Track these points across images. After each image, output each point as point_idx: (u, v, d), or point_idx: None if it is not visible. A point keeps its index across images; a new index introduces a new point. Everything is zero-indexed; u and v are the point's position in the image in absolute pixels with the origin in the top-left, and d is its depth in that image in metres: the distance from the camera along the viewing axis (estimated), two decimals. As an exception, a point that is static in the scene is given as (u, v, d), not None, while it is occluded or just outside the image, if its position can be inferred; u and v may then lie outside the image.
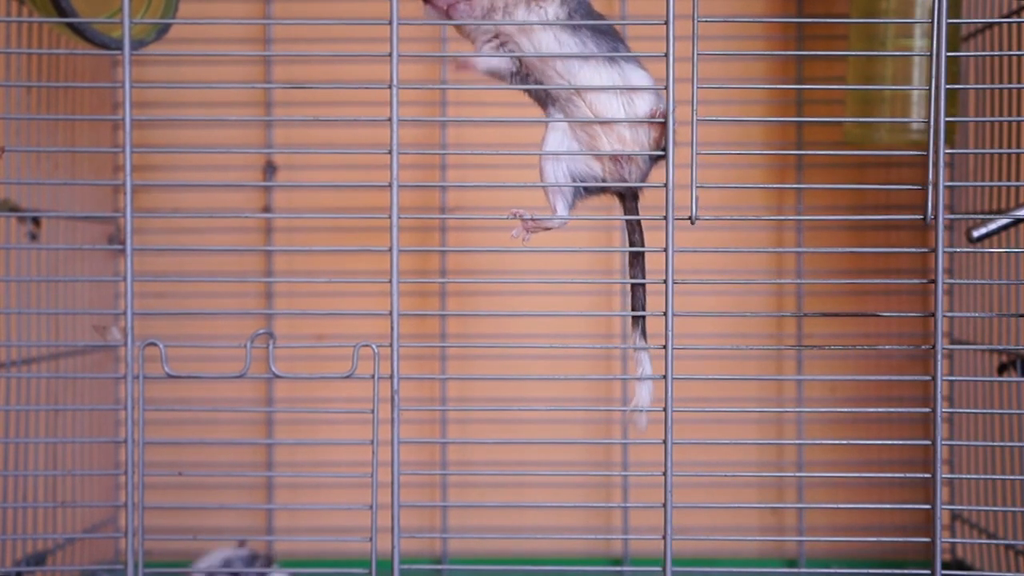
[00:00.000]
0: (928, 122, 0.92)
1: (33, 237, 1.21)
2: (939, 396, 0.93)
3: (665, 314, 0.93)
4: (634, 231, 1.06)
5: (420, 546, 1.45)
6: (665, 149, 0.94)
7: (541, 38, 1.03)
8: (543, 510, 1.47)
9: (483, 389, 1.44)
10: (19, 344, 1.19)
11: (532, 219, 1.03)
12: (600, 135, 1.02)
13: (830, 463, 1.45)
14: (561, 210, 1.03)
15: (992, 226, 1.05)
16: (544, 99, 1.05)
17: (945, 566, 1.16)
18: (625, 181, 1.04)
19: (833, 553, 1.45)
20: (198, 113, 1.41)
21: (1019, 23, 1.24)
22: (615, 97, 1.02)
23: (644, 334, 1.03)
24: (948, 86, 0.93)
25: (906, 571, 0.96)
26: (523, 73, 1.05)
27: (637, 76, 1.02)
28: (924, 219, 0.93)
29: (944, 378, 0.94)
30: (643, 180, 1.04)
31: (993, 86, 1.32)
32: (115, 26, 1.06)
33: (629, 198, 1.06)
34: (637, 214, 1.05)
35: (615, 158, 1.03)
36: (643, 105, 1.01)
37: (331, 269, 1.41)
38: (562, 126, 1.03)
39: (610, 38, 1.05)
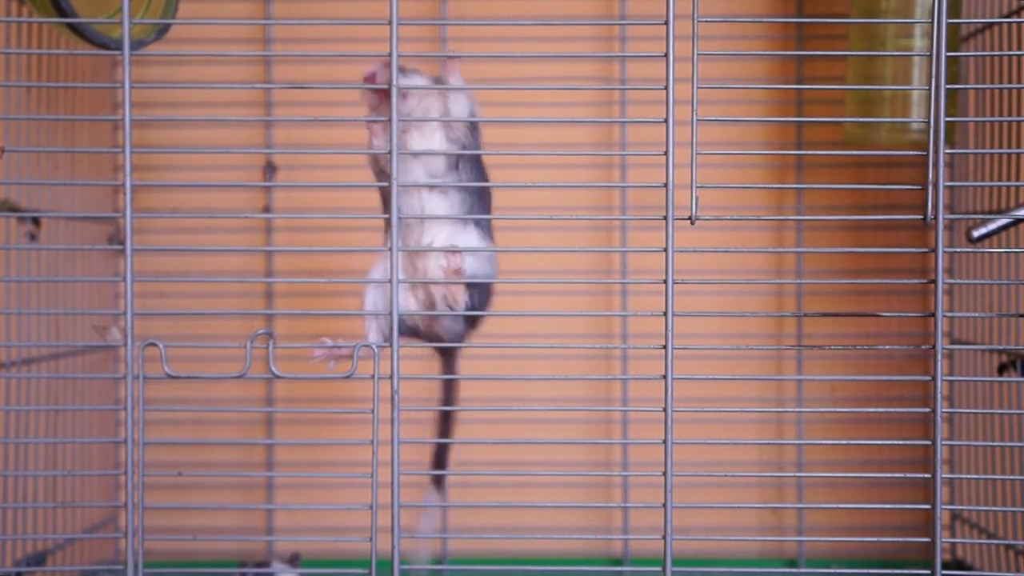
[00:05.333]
0: (928, 122, 0.92)
1: (32, 237, 1.21)
2: (939, 396, 0.93)
3: (665, 314, 0.93)
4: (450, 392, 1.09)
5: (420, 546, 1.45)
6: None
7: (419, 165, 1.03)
8: (543, 510, 1.47)
9: (483, 389, 1.44)
10: (19, 344, 1.19)
11: (336, 347, 1.04)
12: (415, 272, 1.04)
13: (830, 463, 1.45)
14: (373, 337, 1.02)
15: (992, 226, 1.05)
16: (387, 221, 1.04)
17: (945, 566, 1.16)
18: (438, 337, 1.06)
19: (833, 553, 1.45)
20: (198, 113, 1.41)
21: (1019, 23, 1.24)
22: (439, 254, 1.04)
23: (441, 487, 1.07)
24: (948, 86, 0.93)
25: (906, 571, 0.96)
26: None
27: (467, 239, 1.04)
28: (924, 219, 0.93)
29: (944, 378, 0.94)
30: (457, 339, 1.07)
31: (993, 86, 1.32)
32: (115, 26, 1.06)
33: (445, 353, 1.09)
34: (453, 371, 1.09)
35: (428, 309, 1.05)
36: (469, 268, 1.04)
37: (331, 269, 1.41)
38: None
39: (475, 198, 1.05)
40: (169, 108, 1.44)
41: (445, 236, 1.03)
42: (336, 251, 1.31)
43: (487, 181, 1.07)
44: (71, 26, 1.06)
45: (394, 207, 0.93)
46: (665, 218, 0.92)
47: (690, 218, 0.92)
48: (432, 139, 1.03)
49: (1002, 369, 1.23)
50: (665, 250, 0.92)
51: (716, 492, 1.41)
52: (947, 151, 0.99)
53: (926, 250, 0.94)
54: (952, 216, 1.09)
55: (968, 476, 1.37)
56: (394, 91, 0.92)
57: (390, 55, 0.92)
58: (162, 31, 1.14)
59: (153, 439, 0.96)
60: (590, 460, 1.48)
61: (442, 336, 1.06)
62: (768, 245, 1.47)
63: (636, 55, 0.99)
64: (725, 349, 1.13)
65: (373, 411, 0.94)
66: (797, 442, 1.35)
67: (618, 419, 1.47)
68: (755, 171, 1.46)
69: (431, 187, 1.03)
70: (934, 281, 0.93)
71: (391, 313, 0.94)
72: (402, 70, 1.00)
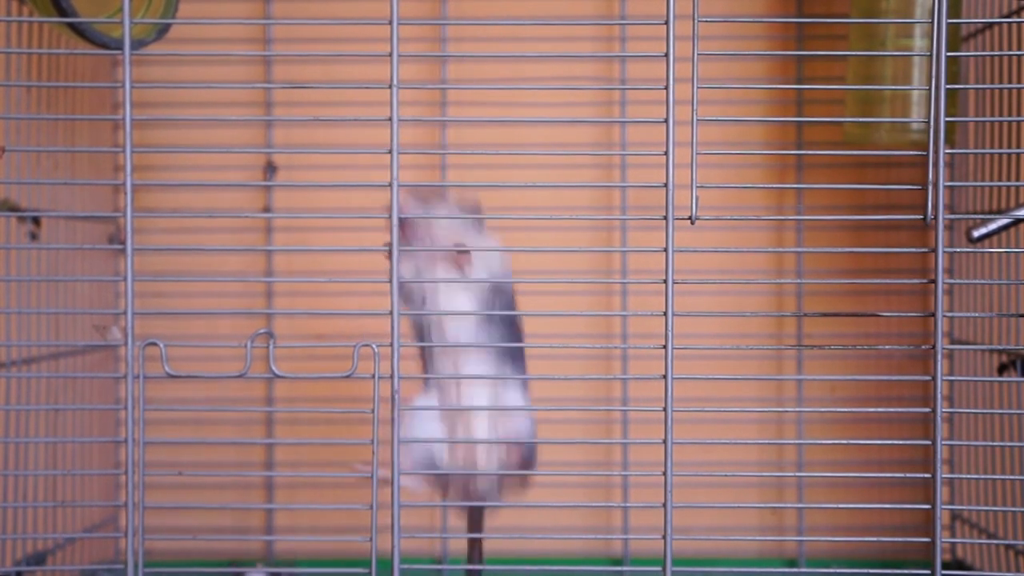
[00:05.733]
0: (928, 122, 0.92)
1: (33, 237, 1.21)
2: (939, 396, 0.93)
3: (665, 314, 0.93)
4: (473, 550, 1.08)
5: (420, 546, 1.45)
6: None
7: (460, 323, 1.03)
8: (543, 510, 1.47)
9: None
10: (19, 344, 1.19)
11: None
12: (454, 432, 1.03)
13: (830, 463, 1.45)
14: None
15: (992, 226, 1.05)
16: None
17: (945, 566, 1.16)
18: (471, 495, 1.05)
19: (833, 553, 1.45)
20: (198, 113, 1.41)
21: (1019, 23, 1.24)
22: (485, 415, 1.03)
23: None
24: (948, 86, 0.93)
25: (906, 571, 0.96)
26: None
27: (514, 398, 1.03)
28: (924, 219, 0.93)
29: (944, 378, 0.94)
30: (491, 499, 1.05)
31: (993, 86, 1.32)
32: (115, 26, 1.07)
33: (474, 514, 1.07)
34: (481, 531, 1.07)
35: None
36: (511, 428, 1.02)
37: (331, 269, 1.41)
38: (434, 415, 1.02)
39: (512, 359, 1.04)
40: (169, 108, 1.44)
41: (485, 396, 1.03)
42: (336, 251, 1.31)
43: (521, 337, 1.06)
44: (71, 26, 1.06)
45: (394, 206, 0.93)
46: (665, 218, 0.92)
47: (690, 218, 0.92)
48: (459, 295, 1.04)
49: (1002, 369, 1.23)
50: (665, 250, 0.92)
51: (716, 492, 1.41)
52: (947, 151, 0.99)
53: (926, 250, 0.94)
54: (952, 216, 1.09)
55: (968, 476, 1.37)
56: (394, 90, 0.92)
57: (390, 55, 0.92)
58: (162, 31, 1.14)
59: (153, 439, 0.96)
60: (590, 460, 1.48)
61: (474, 496, 1.06)
62: (768, 245, 1.47)
63: (636, 55, 0.99)
64: (725, 349, 1.13)
65: (373, 411, 0.94)
66: (797, 442, 1.35)
67: (618, 419, 1.47)
68: (755, 171, 1.46)
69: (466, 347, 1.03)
70: (934, 281, 0.93)
71: (391, 312, 0.94)
72: (425, 199, 1.00)
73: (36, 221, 1.22)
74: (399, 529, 0.94)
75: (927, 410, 0.95)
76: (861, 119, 1.31)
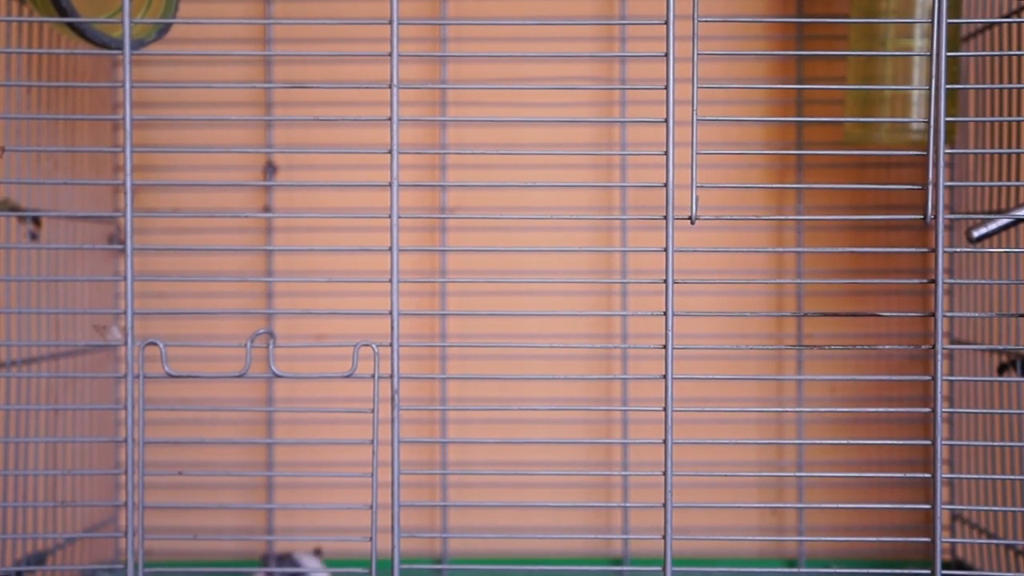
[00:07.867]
0: (928, 122, 0.92)
1: (33, 237, 1.21)
2: (939, 396, 0.93)
3: (665, 314, 0.93)
4: None
5: (420, 546, 1.45)
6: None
7: None
8: (543, 510, 1.47)
9: (483, 389, 1.44)
10: (19, 344, 1.19)
11: None
12: None
13: (830, 463, 1.45)
14: None
15: (992, 226, 1.05)
16: None
17: (945, 566, 1.16)
18: None
19: (833, 553, 1.45)
20: (198, 113, 1.41)
21: (1019, 23, 1.24)
22: None
23: None
24: (948, 86, 0.93)
25: (906, 571, 0.96)
26: None
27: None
28: (924, 219, 0.93)
29: (944, 378, 0.94)
30: None
31: (993, 86, 1.32)
32: (115, 26, 1.07)
33: None
34: None
35: None
36: None
37: (331, 269, 1.41)
38: None
39: None
40: (170, 108, 1.44)
41: None
42: (336, 251, 1.32)
43: None
44: (71, 26, 1.07)
45: (393, 206, 0.93)
46: (665, 218, 0.92)
47: (690, 218, 0.92)
48: None
49: (1002, 369, 1.23)
50: (665, 250, 0.92)
51: (716, 492, 1.41)
52: (947, 151, 0.99)
53: (926, 250, 0.94)
54: (952, 216, 1.09)
55: (968, 476, 1.36)
56: (393, 90, 0.92)
57: (390, 55, 0.92)
58: (162, 31, 1.14)
59: (153, 439, 0.96)
60: (590, 460, 1.48)
61: None
62: (768, 245, 1.47)
63: (636, 55, 0.99)
64: (725, 349, 1.13)
65: (373, 411, 0.94)
66: (797, 442, 1.35)
67: (618, 419, 1.47)
68: (755, 171, 1.46)
69: None
70: (934, 281, 0.93)
71: (391, 312, 0.94)
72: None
73: (36, 221, 1.22)
74: (399, 529, 0.94)
75: (927, 410, 0.95)
76: (861, 119, 1.31)
